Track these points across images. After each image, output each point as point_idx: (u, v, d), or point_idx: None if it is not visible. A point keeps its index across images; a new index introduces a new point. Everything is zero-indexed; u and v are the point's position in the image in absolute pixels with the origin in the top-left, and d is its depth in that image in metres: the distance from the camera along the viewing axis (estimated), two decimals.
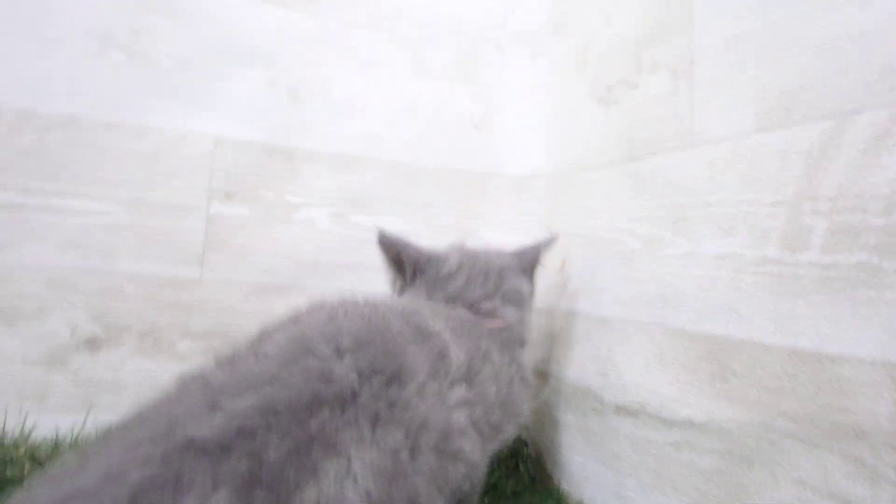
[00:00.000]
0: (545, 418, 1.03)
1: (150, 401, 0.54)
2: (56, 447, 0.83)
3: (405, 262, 0.85)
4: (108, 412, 0.86)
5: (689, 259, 0.74)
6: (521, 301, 0.87)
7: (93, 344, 0.89)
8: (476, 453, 0.66)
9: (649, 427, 0.79)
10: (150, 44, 0.93)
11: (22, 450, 0.80)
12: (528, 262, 0.90)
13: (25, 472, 0.78)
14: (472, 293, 0.83)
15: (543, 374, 1.04)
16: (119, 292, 0.91)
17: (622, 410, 0.84)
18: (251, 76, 0.99)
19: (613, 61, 0.89)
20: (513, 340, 0.83)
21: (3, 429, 0.82)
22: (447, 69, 1.10)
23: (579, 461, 0.93)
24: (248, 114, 0.98)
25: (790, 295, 0.60)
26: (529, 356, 1.08)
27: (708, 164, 0.71)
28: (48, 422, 0.86)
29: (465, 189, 1.10)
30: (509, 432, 0.77)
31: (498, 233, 1.11)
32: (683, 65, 0.74)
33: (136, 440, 0.48)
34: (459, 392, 0.65)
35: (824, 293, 0.57)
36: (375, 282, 0.90)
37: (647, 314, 0.81)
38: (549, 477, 1.00)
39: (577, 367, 0.94)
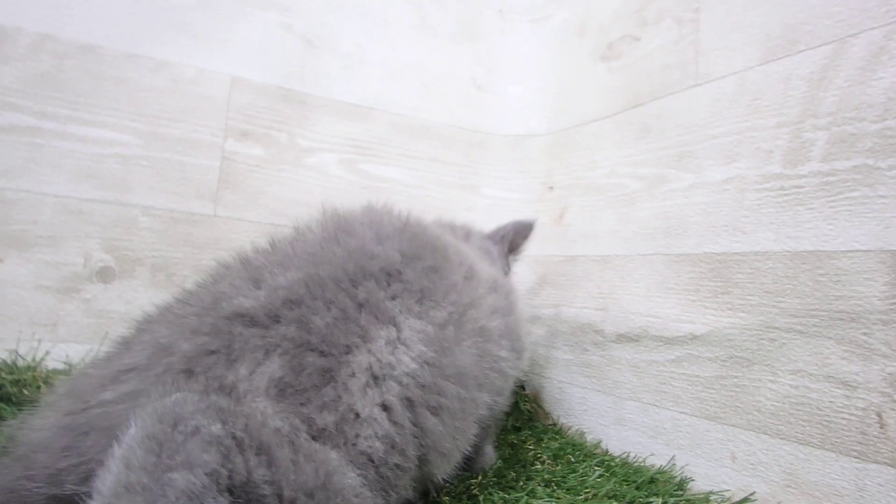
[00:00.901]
0: (544, 360, 1.07)
1: (188, 288, 0.54)
2: (69, 374, 0.81)
3: None
4: None
5: (692, 190, 0.81)
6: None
7: (105, 274, 0.87)
8: (507, 368, 0.68)
9: (650, 349, 0.85)
10: None
11: (35, 373, 0.78)
12: (500, 237, 0.92)
13: (40, 394, 0.76)
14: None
15: (539, 319, 1.09)
16: (133, 225, 0.90)
17: (623, 338, 0.90)
18: (267, 19, 1.00)
19: (615, 19, 0.97)
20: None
21: (17, 353, 0.80)
22: (451, 31, 1.15)
23: (578, 394, 0.98)
24: (264, 57, 1.00)
25: (791, 205, 0.68)
26: (527, 302, 1.13)
27: (713, 100, 0.78)
28: (59, 351, 0.83)
29: (466, 146, 1.15)
30: (523, 363, 0.78)
31: (499, 190, 1.16)
32: (689, 13, 0.82)
33: (182, 315, 0.49)
34: (492, 299, 0.69)
35: (823, 198, 0.65)
36: None
37: (649, 247, 0.87)
38: (546, 414, 1.05)
39: (576, 306, 1.00)
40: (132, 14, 0.91)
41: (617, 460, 0.84)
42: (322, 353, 0.48)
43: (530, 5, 1.19)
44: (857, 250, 0.62)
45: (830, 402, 0.64)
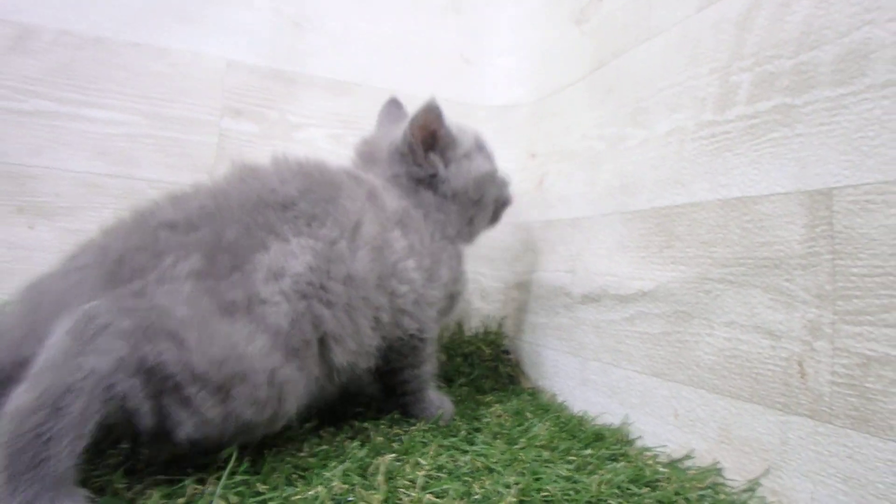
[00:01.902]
0: (523, 325, 1.08)
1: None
2: None
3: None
4: None
5: (644, 146, 0.78)
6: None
7: None
8: (417, 285, 0.74)
9: (609, 308, 0.84)
10: None
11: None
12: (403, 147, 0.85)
13: None
14: None
15: (522, 285, 1.09)
16: (141, 196, 0.98)
17: (587, 298, 0.89)
18: (258, 4, 1.07)
19: None
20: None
21: None
22: (437, 4, 1.17)
23: (552, 356, 0.98)
24: (256, 40, 1.06)
25: (721, 151, 0.65)
26: (507, 270, 1.13)
27: (661, 52, 0.76)
28: None
29: (453, 119, 1.16)
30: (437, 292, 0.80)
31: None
32: None
33: (118, 227, 0.61)
34: (398, 233, 0.74)
35: (749, 142, 0.62)
36: None
37: (610, 206, 0.85)
38: (525, 377, 1.05)
39: (551, 270, 0.99)
40: (137, 6, 1.00)
41: (574, 419, 0.83)
42: (231, 254, 0.59)
43: None
44: (777, 193, 0.59)
45: (758, 353, 0.61)
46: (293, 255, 0.61)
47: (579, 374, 0.90)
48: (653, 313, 0.75)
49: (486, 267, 1.16)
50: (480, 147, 0.89)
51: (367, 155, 0.86)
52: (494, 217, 0.94)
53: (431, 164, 0.83)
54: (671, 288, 0.72)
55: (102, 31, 0.98)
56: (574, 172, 0.95)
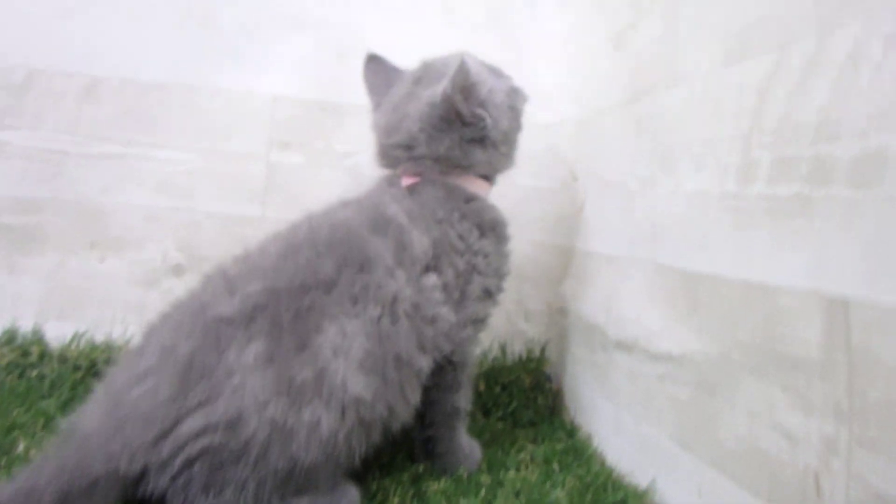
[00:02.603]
0: (566, 354, 1.06)
1: (182, 296, 0.71)
2: None
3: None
4: None
5: (673, 196, 0.73)
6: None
7: (178, 269, 1.07)
8: (451, 315, 0.76)
9: (641, 361, 0.81)
10: (217, 13, 1.07)
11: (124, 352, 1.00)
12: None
13: None
14: None
15: (563, 311, 1.07)
16: (199, 227, 1.07)
17: (621, 345, 0.86)
18: (303, 40, 1.10)
19: (622, 5, 0.87)
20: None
21: (111, 336, 1.03)
22: (478, 20, 1.13)
23: (588, 395, 0.96)
24: (301, 73, 1.10)
25: (744, 227, 0.59)
26: (550, 292, 1.11)
27: (686, 101, 0.69)
28: None
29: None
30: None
31: (528, 178, 1.13)
32: (671, 4, 0.72)
33: (178, 322, 0.65)
34: (433, 278, 0.75)
35: (769, 225, 0.56)
36: None
37: (642, 251, 0.81)
38: (566, 409, 1.04)
39: (589, 304, 0.96)
40: (189, 50, 1.07)
41: (601, 476, 0.80)
42: (293, 334, 0.63)
43: None
44: (796, 289, 0.53)
45: (777, 453, 0.57)
46: (350, 339, 0.64)
47: (613, 420, 0.88)
48: (681, 379, 0.72)
49: (529, 286, 1.14)
50: (489, 71, 0.84)
51: (389, 146, 0.83)
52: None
53: (480, 117, 0.78)
54: (696, 359, 0.68)
55: (163, 77, 1.06)
56: (610, 205, 0.91)
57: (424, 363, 0.72)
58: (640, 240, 0.81)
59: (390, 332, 0.68)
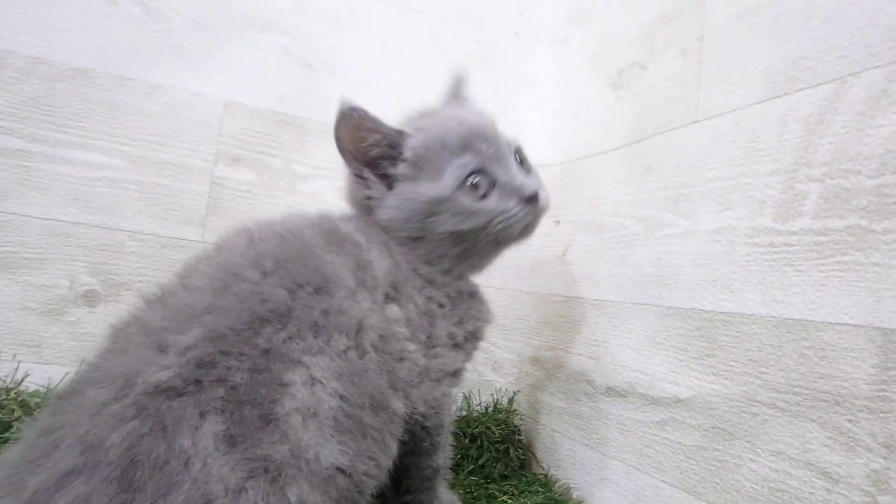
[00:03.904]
0: (539, 405, 1.05)
1: (90, 361, 0.55)
2: (47, 397, 0.86)
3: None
4: None
5: (686, 237, 0.77)
6: None
7: (91, 298, 0.92)
8: (420, 357, 0.69)
9: (637, 407, 0.82)
10: (166, 1, 0.98)
11: (12, 394, 0.83)
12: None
13: (14, 416, 0.81)
14: None
15: (539, 361, 1.07)
16: (120, 249, 0.94)
17: (612, 392, 0.87)
18: (265, 44, 1.03)
19: (627, 45, 0.93)
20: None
21: None
22: (466, 55, 1.15)
23: (568, 446, 0.96)
24: (260, 80, 1.03)
25: (781, 264, 0.64)
26: (521, 342, 1.11)
27: (711, 139, 0.74)
28: (41, 372, 0.89)
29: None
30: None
31: None
32: (693, 42, 0.78)
33: (99, 403, 0.49)
34: (395, 309, 0.67)
35: (813, 260, 0.60)
36: None
37: (642, 296, 0.84)
38: (538, 462, 1.03)
39: (572, 352, 0.97)
40: (127, 36, 0.96)
41: None
42: (253, 405, 0.51)
43: (550, 26, 1.17)
44: (845, 324, 0.57)
45: (810, 493, 0.59)
46: (321, 385, 0.55)
47: (598, 470, 0.88)
48: (687, 423, 0.74)
49: (499, 336, 1.14)
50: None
51: None
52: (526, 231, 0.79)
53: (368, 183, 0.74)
54: (711, 401, 0.71)
55: (85, 62, 0.94)
56: (602, 249, 0.94)
57: (399, 406, 0.64)
58: (640, 284, 0.84)
59: (359, 368, 0.59)
